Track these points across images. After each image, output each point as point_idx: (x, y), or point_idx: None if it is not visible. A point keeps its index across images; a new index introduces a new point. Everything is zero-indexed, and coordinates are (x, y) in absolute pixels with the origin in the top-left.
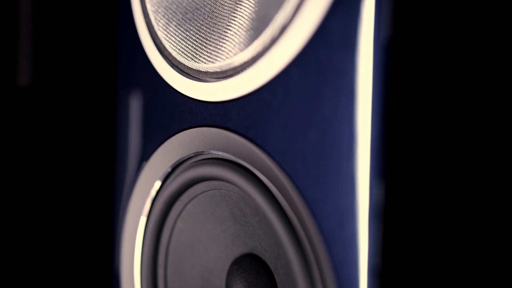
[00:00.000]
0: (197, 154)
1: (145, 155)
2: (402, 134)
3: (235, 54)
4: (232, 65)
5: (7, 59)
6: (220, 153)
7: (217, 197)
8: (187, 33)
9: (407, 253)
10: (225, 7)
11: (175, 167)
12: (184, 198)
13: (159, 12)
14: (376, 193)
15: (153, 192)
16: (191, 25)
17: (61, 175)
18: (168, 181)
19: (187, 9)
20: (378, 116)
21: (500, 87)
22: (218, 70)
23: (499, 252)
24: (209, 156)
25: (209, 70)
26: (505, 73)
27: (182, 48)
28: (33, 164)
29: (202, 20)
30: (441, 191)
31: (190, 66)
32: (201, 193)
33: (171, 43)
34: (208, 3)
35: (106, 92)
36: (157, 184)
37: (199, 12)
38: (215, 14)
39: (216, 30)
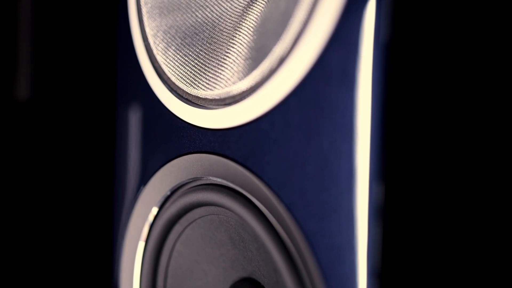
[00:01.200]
0: (195, 179)
1: (144, 178)
2: (402, 172)
3: (233, 83)
4: (231, 94)
5: (6, 72)
6: (219, 180)
7: (216, 222)
8: (186, 58)
9: (406, 279)
10: (224, 33)
11: (174, 191)
12: (183, 221)
13: (158, 36)
14: (375, 228)
15: (150, 218)
16: (190, 50)
17: (59, 192)
18: (167, 204)
19: (186, 34)
20: (377, 154)
21: (500, 88)
22: (217, 97)
23: (499, 252)
24: (208, 182)
25: (207, 97)
26: (504, 74)
27: (181, 73)
28: (31, 179)
29: (201, 46)
30: (444, 212)
31: (189, 92)
32: (200, 217)
33: (170, 68)
34: (207, 28)
35: (106, 107)
36: (155, 209)
37: (197, 37)
38: (214, 40)
39: (215, 56)
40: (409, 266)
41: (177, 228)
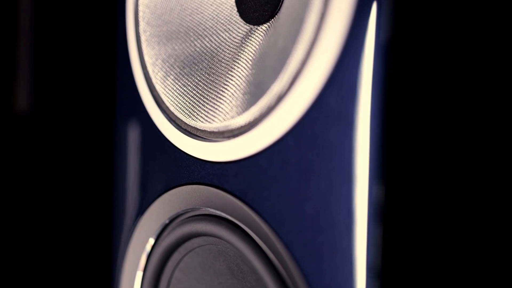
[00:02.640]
0: (194, 209)
1: (142, 207)
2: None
3: (232, 117)
4: (229, 128)
5: (5, 83)
6: (217, 212)
7: (215, 251)
8: (184, 88)
9: None
10: (223, 64)
11: (172, 220)
12: (182, 250)
13: (157, 65)
14: (373, 271)
15: (148, 247)
16: (188, 81)
17: (56, 208)
18: (166, 233)
19: (184, 63)
20: (376, 202)
21: (500, 88)
22: (215, 130)
23: (498, 252)
24: (207, 213)
25: (206, 129)
26: (504, 74)
27: (180, 104)
28: (29, 192)
29: (199, 76)
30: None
31: (188, 123)
32: (198, 246)
33: (168, 98)
34: (205, 58)
35: (105, 125)
36: (152, 239)
37: (196, 67)
38: (213, 70)
39: (213, 88)
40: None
41: (176, 256)
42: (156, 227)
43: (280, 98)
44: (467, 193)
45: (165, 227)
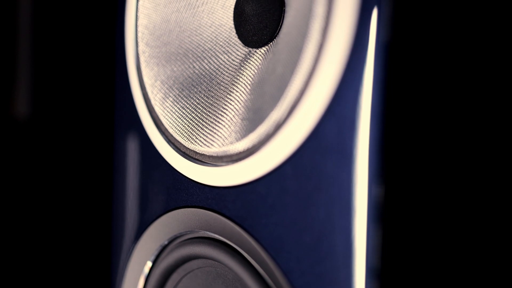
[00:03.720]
0: (193, 231)
1: (141, 227)
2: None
3: (230, 143)
4: (228, 153)
5: (5, 91)
6: (216, 236)
7: (213, 274)
8: (183, 111)
9: None
10: (221, 87)
11: (171, 241)
12: (181, 271)
13: (156, 86)
14: None
15: (146, 269)
16: (187, 103)
17: (55, 218)
18: (164, 253)
19: (183, 85)
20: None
21: (499, 89)
22: (214, 155)
23: (498, 252)
24: (205, 236)
25: (205, 153)
26: (504, 75)
27: (179, 126)
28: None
29: (198, 99)
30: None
31: (187, 146)
32: (197, 268)
33: (167, 120)
34: (204, 81)
35: (104, 131)
36: (150, 262)
37: (195, 89)
38: (211, 93)
39: (212, 112)
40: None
41: (175, 277)
42: (155, 248)
43: (278, 127)
44: (466, 198)
45: (163, 248)
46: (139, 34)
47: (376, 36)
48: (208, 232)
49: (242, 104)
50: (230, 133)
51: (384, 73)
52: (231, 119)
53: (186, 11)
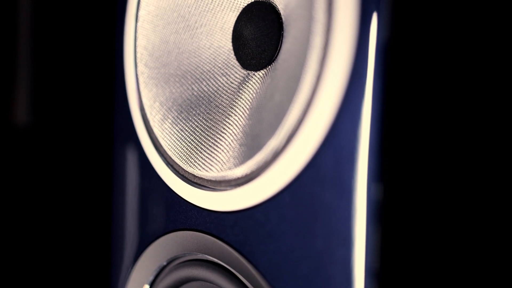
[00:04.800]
0: (191, 253)
1: (140, 247)
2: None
3: (229, 168)
4: (226, 178)
5: (4, 97)
6: (215, 259)
7: None
8: (181, 133)
9: None
10: (220, 110)
11: (170, 262)
12: None
13: (155, 107)
14: None
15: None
16: (186, 125)
17: (55, 226)
18: (163, 274)
19: (182, 107)
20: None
21: (499, 90)
22: (212, 179)
23: (497, 252)
24: (204, 258)
25: (203, 177)
26: (503, 74)
27: (177, 149)
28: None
29: (197, 121)
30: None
31: (185, 169)
32: None
33: (166, 142)
34: (202, 103)
35: (104, 138)
36: (147, 286)
37: (193, 112)
38: (210, 116)
39: (210, 135)
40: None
41: None
42: (154, 269)
43: (276, 155)
44: (465, 199)
45: (162, 269)
46: (138, 55)
47: (375, 66)
48: (206, 255)
49: (240, 129)
50: (229, 158)
51: (382, 105)
52: (230, 144)
53: (184, 32)
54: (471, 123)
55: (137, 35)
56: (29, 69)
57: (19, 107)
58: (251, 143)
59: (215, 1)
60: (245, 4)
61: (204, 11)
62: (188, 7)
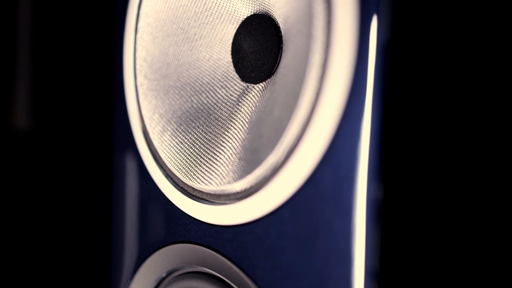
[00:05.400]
0: (191, 266)
1: (140, 259)
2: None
3: (228, 183)
4: (226, 192)
5: (4, 103)
6: (214, 273)
7: None
8: (181, 145)
9: None
10: (219, 123)
11: (169, 273)
12: None
13: (154, 119)
14: None
15: None
16: (185, 138)
17: (55, 233)
18: (162, 286)
19: (181, 119)
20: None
21: (499, 90)
22: (211, 192)
23: (497, 252)
24: (203, 271)
25: (203, 190)
26: (503, 74)
27: (177, 161)
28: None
29: (196, 134)
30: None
31: (184, 182)
32: None
33: (165, 154)
34: (202, 116)
35: (104, 146)
36: None
37: (193, 124)
38: (209, 129)
39: (209, 148)
40: None
41: None
42: (153, 280)
43: (275, 170)
44: (465, 199)
45: (161, 280)
46: (138, 66)
47: (374, 84)
48: (206, 268)
49: (240, 143)
50: (228, 172)
51: (381, 123)
52: (229, 157)
53: (184, 44)
54: (471, 134)
55: (136, 46)
56: (29, 75)
57: (19, 112)
58: (251, 157)
59: (215, 14)
60: (245, 17)
61: (203, 23)
62: (188, 19)
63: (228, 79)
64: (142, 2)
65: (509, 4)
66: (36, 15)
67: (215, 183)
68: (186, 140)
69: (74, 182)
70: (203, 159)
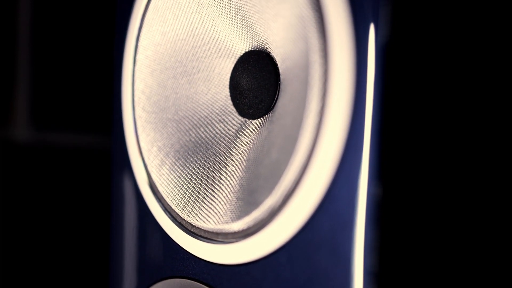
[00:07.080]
0: None
1: None
2: None
3: (226, 222)
4: (223, 231)
5: (3, 114)
6: None
7: None
8: (179, 180)
9: None
10: (217, 158)
11: None
12: None
13: (152, 152)
14: None
15: None
16: (183, 172)
17: (55, 243)
18: None
19: (179, 153)
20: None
21: (498, 90)
22: (209, 230)
23: (496, 252)
24: None
25: (201, 227)
26: (503, 75)
27: (175, 196)
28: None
29: (194, 169)
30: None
31: (183, 217)
32: None
33: (163, 188)
34: (200, 150)
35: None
36: None
37: (191, 159)
38: (207, 164)
39: (207, 185)
40: None
41: None
42: None
43: (273, 214)
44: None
45: None
46: (136, 98)
47: (371, 133)
48: None
49: (237, 181)
50: (226, 212)
51: (378, 173)
52: (227, 196)
53: (182, 77)
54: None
55: (134, 78)
56: (28, 93)
57: (18, 123)
58: (248, 198)
59: (212, 48)
60: (242, 52)
61: (201, 57)
62: (186, 53)
63: (226, 113)
64: (140, 34)
65: (508, 4)
66: (36, 17)
67: (213, 221)
68: (184, 175)
69: (73, 208)
70: (201, 195)
